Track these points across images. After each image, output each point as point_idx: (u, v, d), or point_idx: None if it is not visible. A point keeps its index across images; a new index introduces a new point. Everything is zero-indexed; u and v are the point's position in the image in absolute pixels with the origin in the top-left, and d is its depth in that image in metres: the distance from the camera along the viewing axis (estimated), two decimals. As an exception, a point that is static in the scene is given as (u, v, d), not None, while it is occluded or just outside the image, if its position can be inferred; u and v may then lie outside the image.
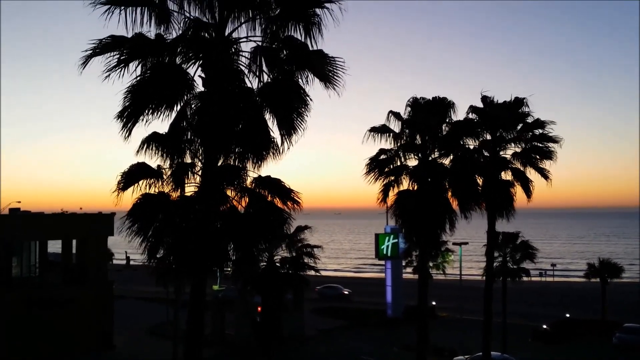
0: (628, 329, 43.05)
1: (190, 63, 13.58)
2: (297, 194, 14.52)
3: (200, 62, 13.54)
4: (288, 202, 14.41)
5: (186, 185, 14.26)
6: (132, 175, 14.11)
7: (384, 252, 50.81)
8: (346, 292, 65.38)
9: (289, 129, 13.74)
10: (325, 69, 13.90)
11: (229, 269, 16.19)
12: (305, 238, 26.94)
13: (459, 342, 39.26)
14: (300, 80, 14.05)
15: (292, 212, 14.57)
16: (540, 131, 25.07)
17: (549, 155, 24.90)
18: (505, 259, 39.41)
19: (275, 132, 13.78)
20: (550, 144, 24.93)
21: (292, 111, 13.78)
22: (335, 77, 13.91)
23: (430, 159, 21.27)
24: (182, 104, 13.53)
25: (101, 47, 13.00)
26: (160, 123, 13.62)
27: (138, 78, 13.20)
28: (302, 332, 43.90)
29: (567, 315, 50.67)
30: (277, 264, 26.43)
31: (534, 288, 73.96)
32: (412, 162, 21.63)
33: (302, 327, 44.41)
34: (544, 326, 45.76)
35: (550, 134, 25.00)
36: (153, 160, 13.95)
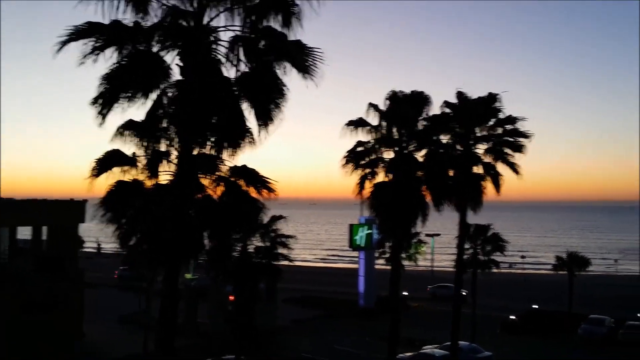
0: (593, 321, 44.20)
1: (167, 51, 13.49)
2: (273, 184, 14.58)
3: (178, 50, 13.46)
4: (263, 192, 14.46)
5: (161, 173, 14.20)
6: (106, 162, 14.02)
7: (358, 243, 51.16)
8: (463, 293, 62.41)
9: (265, 119, 13.76)
10: (304, 59, 13.93)
11: (203, 258, 16.20)
12: (279, 228, 27.02)
13: (429, 332, 39.84)
14: (278, 70, 14.06)
15: (268, 201, 14.63)
16: (512, 126, 25.52)
17: (519, 149, 25.37)
18: (476, 251, 40.03)
19: (252, 122, 13.80)
20: (521, 139, 25.41)
21: (269, 101, 13.80)
22: (313, 67, 13.95)
23: (406, 152, 21.50)
24: (158, 92, 13.46)
25: (77, 33, 12.85)
26: (136, 110, 13.55)
27: (114, 65, 13.08)
28: (275, 323, 44.03)
29: (535, 307, 51.74)
30: (251, 254, 26.47)
31: (503, 280, 75.27)
32: (389, 154, 21.85)
33: (275, 318, 44.54)
34: (512, 317, 46.67)
35: (520, 130, 25.49)
36: (128, 147, 13.87)
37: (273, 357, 35.76)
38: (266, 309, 42.48)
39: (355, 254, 58.12)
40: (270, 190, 14.41)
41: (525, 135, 25.40)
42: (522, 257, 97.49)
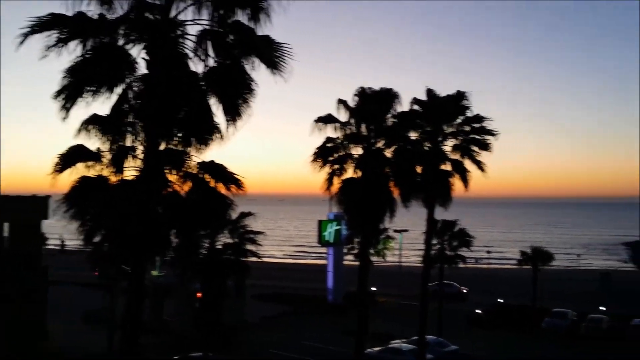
0: (556, 314, 45.22)
1: (133, 44, 13.24)
2: (241, 180, 14.46)
3: (144, 43, 13.22)
4: (232, 188, 14.33)
5: (126, 169, 13.95)
6: (70, 157, 13.71)
7: (327, 239, 51.27)
8: (464, 290, 58.94)
9: (233, 114, 13.63)
10: (272, 54, 13.84)
11: (170, 255, 15.99)
12: (248, 224, 26.86)
13: (397, 326, 40.18)
14: (246, 65, 13.95)
15: (236, 197, 14.50)
16: (479, 125, 25.84)
17: (486, 147, 25.72)
18: (443, 246, 40.50)
19: (219, 117, 13.65)
20: (488, 137, 25.75)
21: (237, 97, 13.67)
22: (281, 63, 13.87)
23: (374, 148, 21.58)
24: (124, 86, 13.20)
25: (40, 25, 12.51)
26: (100, 105, 13.28)
27: (78, 58, 12.79)
28: (244, 319, 43.86)
29: (501, 301, 52.66)
30: (219, 250, 26.26)
31: (469, 275, 76.40)
32: (357, 151, 21.90)
33: (244, 314, 44.36)
34: (478, 311, 47.43)
35: (487, 128, 25.82)
36: (92, 142, 13.59)
37: (241, 354, 35.60)
38: (234, 306, 42.27)
39: (324, 250, 58.20)
40: (239, 186, 14.29)
41: (491, 133, 25.76)
42: (488, 252, 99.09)
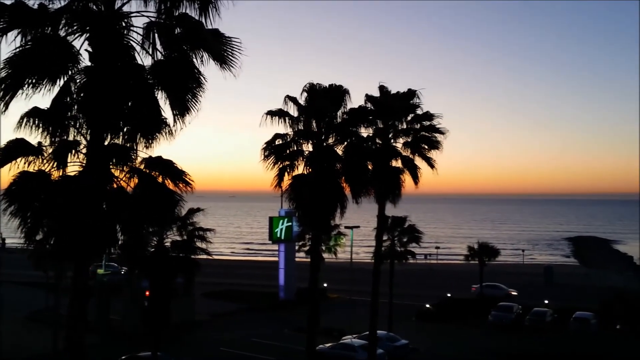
0: (502, 307, 46.47)
1: (76, 36, 12.82)
2: (189, 176, 14.23)
3: (88, 35, 12.82)
4: (179, 184, 14.08)
5: (69, 164, 13.52)
6: (9, 152, 13.20)
7: (278, 235, 51.14)
8: (514, 293, 56.03)
9: (182, 109, 13.38)
10: (221, 49, 13.65)
11: (116, 253, 15.61)
12: (197, 221, 26.48)
13: (348, 322, 40.45)
14: (195, 59, 13.73)
15: (185, 194, 14.27)
16: (429, 122, 26.19)
17: (435, 145, 26.10)
18: (394, 242, 41.00)
19: (167, 112, 13.38)
20: (437, 135, 26.14)
21: (185, 91, 13.43)
22: (231, 58, 13.69)
23: (325, 144, 21.58)
24: (65, 78, 12.77)
25: (-24, 14, 11.96)
26: (42, 98, 12.82)
27: (18, 49, 12.30)
28: (193, 317, 43.32)
29: (449, 295, 53.76)
30: (167, 248, 25.80)
31: (419, 270, 77.70)
32: (308, 147, 21.85)
33: (193, 312, 43.83)
34: (427, 306, 48.28)
35: (437, 126, 26.20)
36: (33, 136, 13.10)
37: (191, 352, 35.14)
38: (184, 304, 41.72)
39: (275, 247, 58.03)
40: (187, 182, 14.06)
41: (441, 131, 26.15)
42: (437, 247, 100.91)
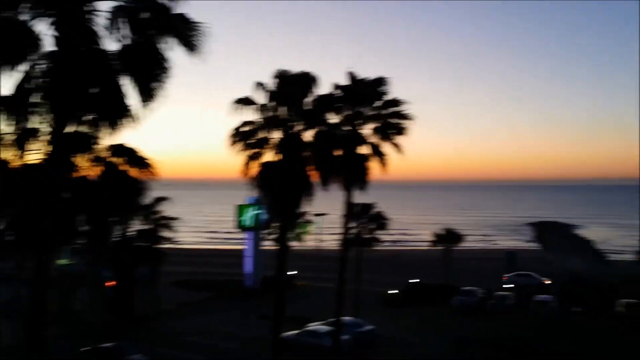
0: (465, 292, 47.32)
1: (39, 20, 12.40)
2: (155, 163, 14.02)
3: (52, 19, 12.41)
4: (144, 172, 13.86)
5: (31, 152, 13.14)
6: (-33, 139, 12.75)
7: (245, 223, 50.86)
8: (548, 282, 53.32)
9: (147, 95, 13.15)
10: (188, 34, 13.43)
11: (79, 242, 15.28)
12: (163, 209, 26.11)
13: (315, 310, 40.60)
14: (161, 44, 13.46)
15: (150, 181, 14.04)
16: (397, 109, 26.28)
17: (403, 131, 26.24)
18: (361, 229, 41.18)
19: (133, 99, 13.09)
20: (405, 121, 26.28)
21: (152, 77, 13.18)
22: (198, 43, 13.46)
23: (293, 131, 21.46)
24: (28, 64, 12.35)
25: None
26: (3, 84, 12.40)
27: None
28: (159, 307, 42.89)
29: (415, 280, 54.42)
30: (132, 237, 25.41)
31: (386, 256, 78.40)
32: (276, 134, 21.68)
33: (159, 302, 43.37)
34: (394, 291, 48.79)
35: (404, 112, 26.31)
36: (-5, 124, 12.68)
37: (156, 342, 34.81)
38: (149, 294, 41.23)
39: (243, 235, 57.70)
40: (152, 170, 13.84)
41: (408, 117, 26.28)
42: (404, 234, 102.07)
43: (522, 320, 41.87)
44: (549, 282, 53.61)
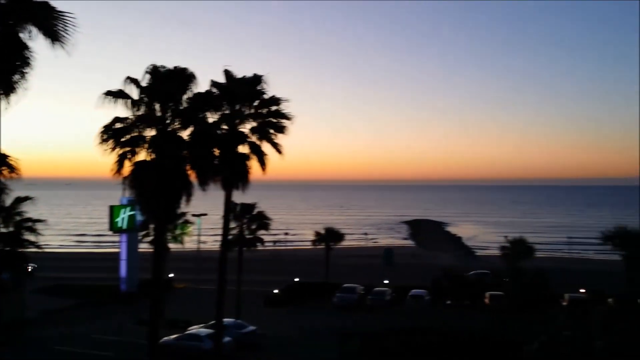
0: (345, 289, 48.54)
1: None
2: (14, 160, 12.98)
3: None
4: (3, 169, 12.79)
5: None
6: None
7: (119, 225, 48.63)
8: None
9: (7, 88, 12.24)
10: (52, 24, 12.60)
11: None
12: (26, 211, 24.23)
13: (195, 312, 39.75)
14: (22, 34, 12.56)
15: (9, 181, 12.98)
16: (275, 108, 26.26)
17: (282, 130, 26.28)
18: (242, 229, 40.91)
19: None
20: (284, 120, 26.33)
21: (12, 69, 12.26)
22: (63, 34, 12.68)
23: (169, 130, 20.74)
24: None
25: None
26: None
27: None
28: (24, 315, 39.92)
29: (297, 279, 55.00)
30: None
31: (268, 256, 78.58)
32: (151, 132, 20.84)
33: (24, 309, 40.37)
34: (275, 291, 48.98)
35: (283, 111, 26.36)
36: None
37: (21, 352, 32.35)
38: (13, 301, 38.24)
39: (117, 237, 55.16)
40: (11, 168, 12.79)
41: (287, 117, 26.35)
42: (286, 233, 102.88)
43: (399, 314, 43.69)
44: None
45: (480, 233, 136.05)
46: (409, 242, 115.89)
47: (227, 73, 25.79)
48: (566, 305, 43.93)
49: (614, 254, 41.88)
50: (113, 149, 20.05)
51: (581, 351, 23.34)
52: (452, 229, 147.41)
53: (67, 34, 12.80)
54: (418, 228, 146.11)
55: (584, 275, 61.40)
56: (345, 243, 65.70)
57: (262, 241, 42.04)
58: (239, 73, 25.93)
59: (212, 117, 23.32)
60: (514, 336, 32.87)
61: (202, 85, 22.09)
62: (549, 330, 24.82)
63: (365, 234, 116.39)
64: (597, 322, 25.81)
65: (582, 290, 47.02)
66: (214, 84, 24.97)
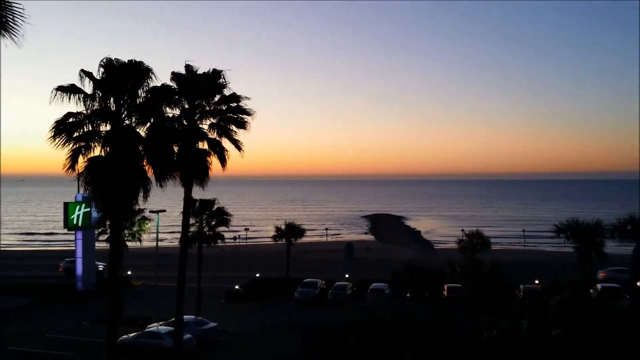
0: (306, 284, 48.63)
1: None
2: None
3: None
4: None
5: None
6: None
7: (75, 222, 47.47)
8: None
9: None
10: (0, 14, 12.11)
11: None
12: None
13: (155, 310, 39.16)
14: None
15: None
16: (236, 104, 26.01)
17: (243, 125, 26.05)
18: (202, 225, 40.50)
19: None
20: (244, 116, 26.11)
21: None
22: (12, 24, 12.21)
23: (125, 125, 20.27)
24: None
25: None
26: None
27: None
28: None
29: (257, 275, 54.78)
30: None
31: (228, 252, 78.07)
32: (106, 127, 20.34)
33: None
34: (236, 287, 48.69)
35: (244, 107, 26.14)
36: None
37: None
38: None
39: (72, 234, 53.87)
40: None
41: (248, 112, 26.14)
42: (246, 229, 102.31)
43: (360, 308, 43.97)
44: None
45: (439, 227, 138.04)
46: (370, 237, 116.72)
47: (188, 67, 25.39)
48: (522, 296, 45.02)
49: (567, 246, 43.13)
50: (65, 144, 19.49)
51: (539, 338, 24.00)
52: (411, 223, 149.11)
53: (15, 24, 12.34)
54: (377, 222, 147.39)
55: (539, 267, 63.08)
56: (306, 238, 65.76)
57: (222, 237, 41.66)
58: (205, 69, 25.58)
59: (171, 112, 22.90)
60: (472, 327, 33.48)
61: (163, 82, 21.66)
62: (508, 319, 25.45)
63: (327, 229, 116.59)
64: (553, 311, 26.59)
65: (537, 282, 48.25)
66: (175, 76, 24.54)
